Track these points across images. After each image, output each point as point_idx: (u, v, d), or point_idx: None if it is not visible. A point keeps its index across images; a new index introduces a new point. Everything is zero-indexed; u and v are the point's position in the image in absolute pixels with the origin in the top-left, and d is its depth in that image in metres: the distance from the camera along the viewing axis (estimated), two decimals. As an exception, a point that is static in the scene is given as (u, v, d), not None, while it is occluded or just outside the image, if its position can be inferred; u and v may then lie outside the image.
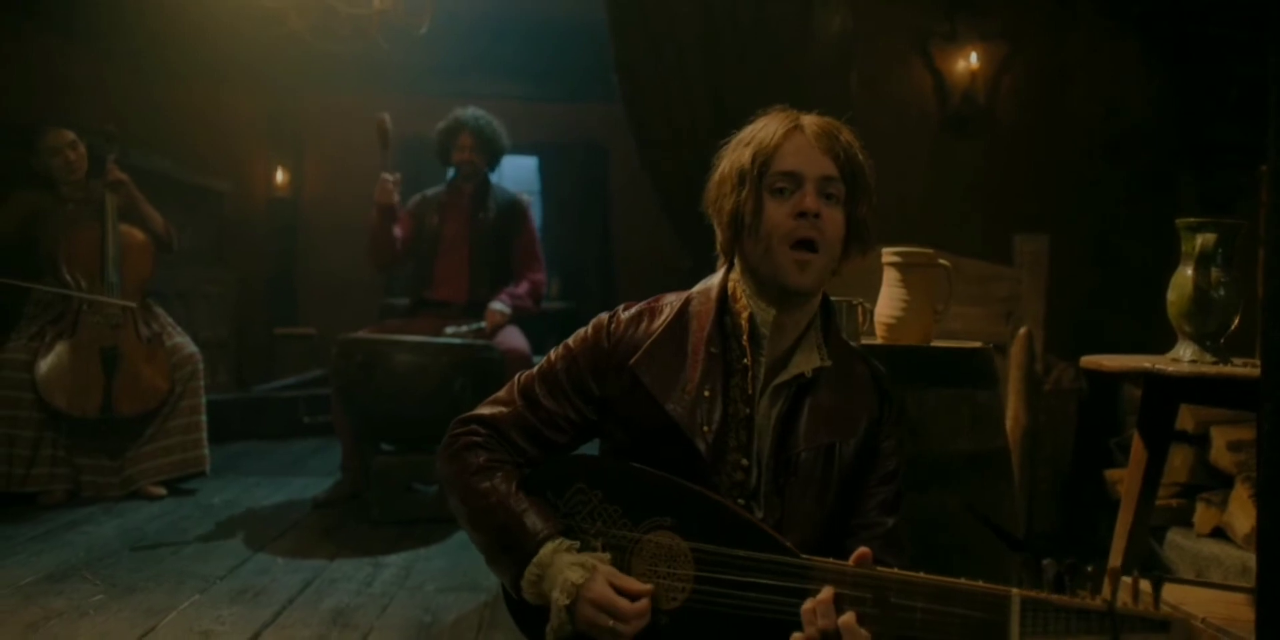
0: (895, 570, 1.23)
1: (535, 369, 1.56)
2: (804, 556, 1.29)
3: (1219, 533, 3.07)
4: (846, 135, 1.42)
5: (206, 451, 4.04)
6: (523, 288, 4.14)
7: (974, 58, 4.27)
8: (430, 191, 4.27)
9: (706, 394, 1.41)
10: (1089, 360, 1.96)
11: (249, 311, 6.64)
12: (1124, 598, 1.13)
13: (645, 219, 6.80)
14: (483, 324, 3.94)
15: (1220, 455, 3.10)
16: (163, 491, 3.88)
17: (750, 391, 1.42)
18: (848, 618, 1.20)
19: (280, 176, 7.04)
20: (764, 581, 1.30)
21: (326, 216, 7.15)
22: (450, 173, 4.24)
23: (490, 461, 1.47)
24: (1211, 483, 3.19)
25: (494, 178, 4.36)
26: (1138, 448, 2.09)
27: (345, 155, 7.12)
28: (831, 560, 1.27)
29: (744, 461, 1.42)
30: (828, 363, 1.44)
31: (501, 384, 3.90)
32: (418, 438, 3.71)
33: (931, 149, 4.21)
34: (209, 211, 6.38)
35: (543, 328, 5.79)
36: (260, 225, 6.98)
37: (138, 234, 4.05)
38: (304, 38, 5.73)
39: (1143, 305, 3.88)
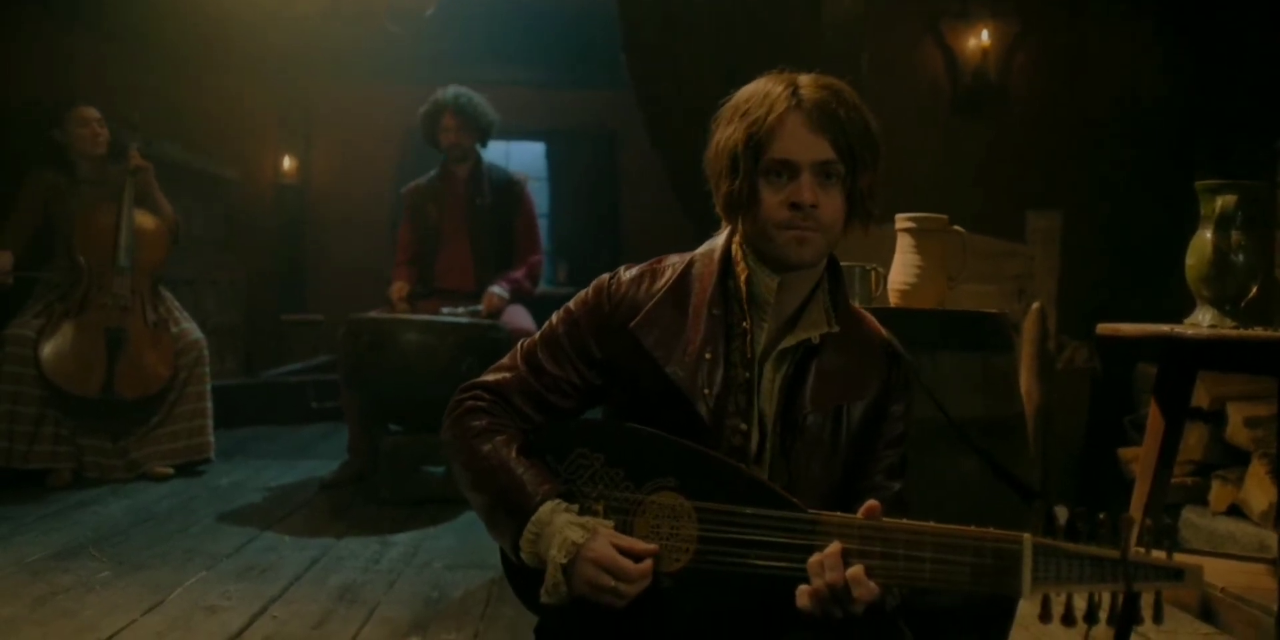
0: (904, 521, 1.21)
1: (538, 334, 1.53)
2: (811, 511, 1.27)
3: (1234, 510, 3.04)
4: (847, 105, 1.35)
5: (211, 438, 4.04)
6: (520, 271, 4.12)
7: (985, 35, 4.22)
8: (424, 179, 4.22)
9: (708, 357, 1.39)
10: (1106, 327, 1.93)
11: (257, 298, 6.64)
12: (1137, 547, 1.10)
13: (655, 204, 6.75)
14: (479, 307, 3.92)
15: (1236, 432, 3.06)
16: (170, 470, 3.88)
17: (750, 356, 1.40)
18: (855, 570, 1.18)
19: (288, 164, 7.03)
20: (770, 538, 1.27)
21: (335, 204, 7.15)
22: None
23: (492, 425, 1.45)
24: (1226, 460, 3.15)
25: (501, 157, 4.32)
26: (1154, 418, 2.05)
27: (354, 143, 7.12)
28: (839, 514, 1.25)
29: (743, 426, 1.40)
30: (835, 328, 1.41)
31: (509, 363, 3.84)
32: (426, 418, 3.68)
33: (943, 126, 4.16)
34: (218, 199, 6.37)
35: (550, 313, 5.76)
36: (269, 213, 6.97)
37: (152, 220, 4.04)
38: (312, 21, 5.74)
39: (1157, 284, 3.83)
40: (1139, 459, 2.11)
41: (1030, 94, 4.20)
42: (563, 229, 7.28)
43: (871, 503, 1.23)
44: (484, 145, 4.20)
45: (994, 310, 1.96)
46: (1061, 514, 1.16)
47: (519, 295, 4.10)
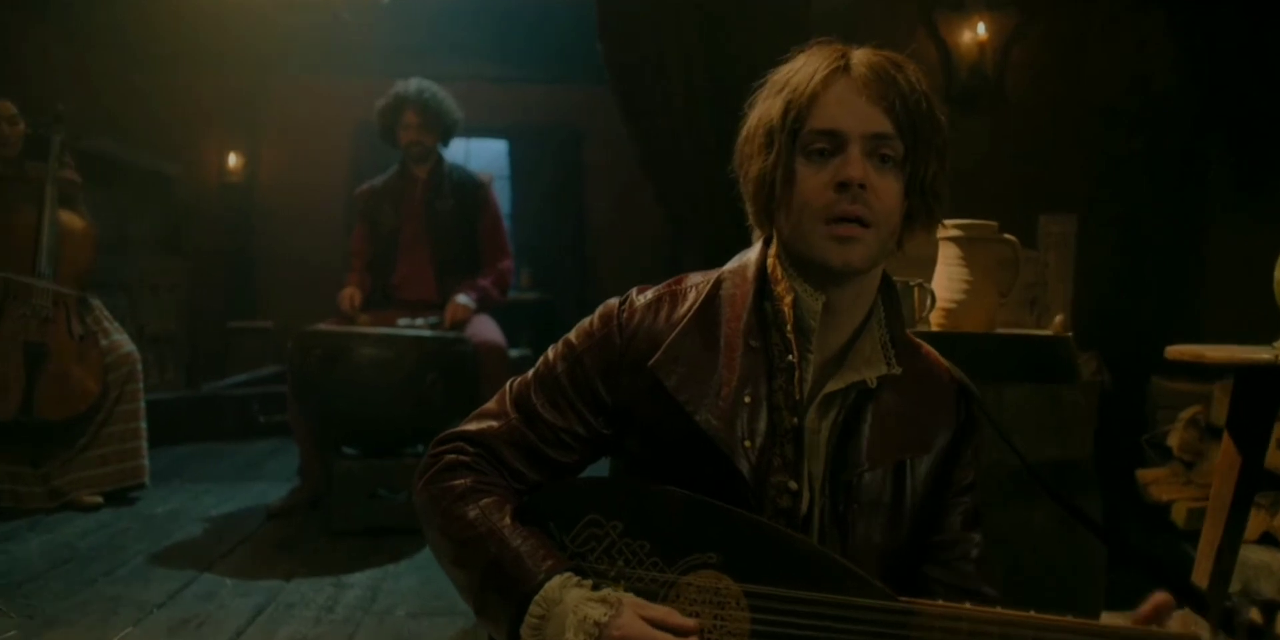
0: (1030, 614, 0.94)
1: (531, 373, 1.24)
2: (903, 600, 1.00)
3: (1268, 539, 2.82)
4: (908, 75, 1.09)
5: (146, 462, 3.65)
6: (488, 278, 3.80)
7: (982, 28, 4.00)
8: (379, 180, 3.88)
9: (747, 400, 1.12)
10: (1183, 351, 1.67)
11: (201, 303, 6.23)
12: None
13: (622, 205, 6.48)
14: (435, 319, 3.59)
15: (1270, 454, 2.84)
16: (98, 500, 3.50)
17: (798, 397, 1.13)
18: None
19: (234, 160, 6.63)
20: (847, 634, 1.00)
21: (285, 203, 6.75)
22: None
23: (479, 484, 1.16)
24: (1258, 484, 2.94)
25: (461, 156, 4.00)
26: (1228, 451, 1.81)
27: (305, 139, 6.73)
28: (940, 604, 0.99)
29: (792, 484, 1.12)
30: (897, 370, 1.14)
31: (475, 380, 3.52)
32: (383, 439, 3.37)
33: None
34: (157, 198, 5.97)
35: (515, 320, 5.45)
36: (213, 212, 6.56)
37: (78, 221, 3.67)
38: (260, 7, 5.36)
39: (1169, 291, 3.63)
40: (1211, 494, 1.86)
41: (1029, 90, 3.98)
42: (526, 231, 6.95)
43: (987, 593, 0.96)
44: (446, 144, 3.88)
45: (1054, 331, 1.71)
46: (1243, 607, 0.89)
47: (487, 304, 3.78)
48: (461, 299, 3.67)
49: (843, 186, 1.05)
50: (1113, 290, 3.57)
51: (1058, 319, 2.65)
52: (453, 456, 1.18)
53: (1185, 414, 3.08)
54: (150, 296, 5.69)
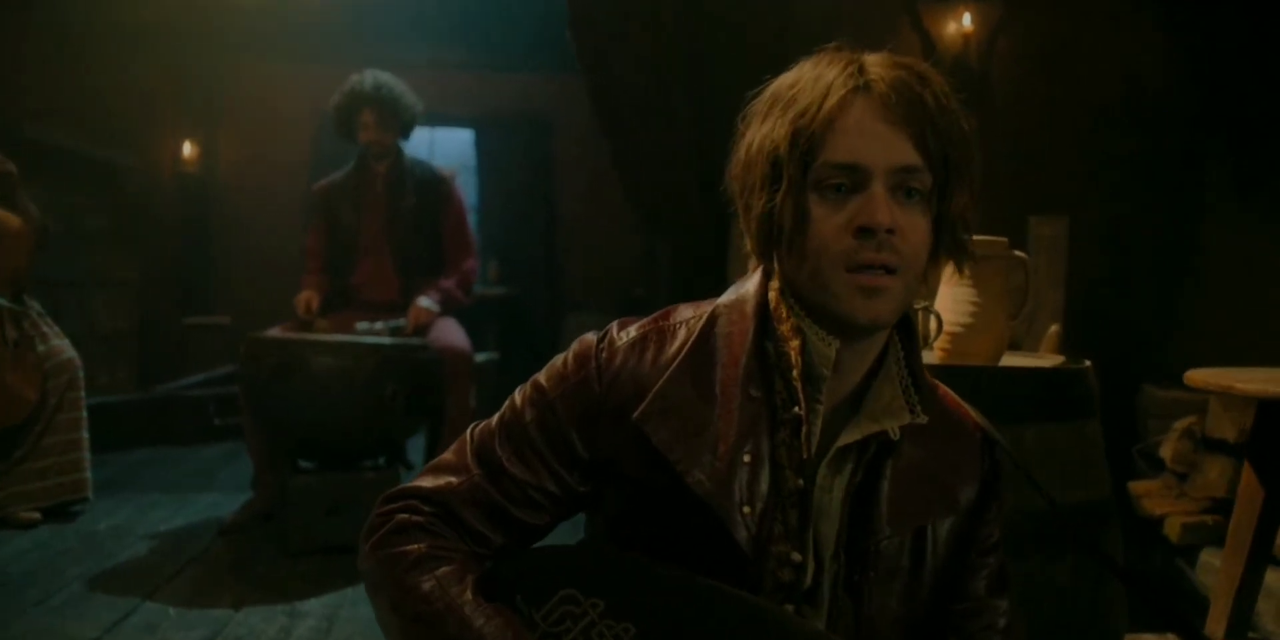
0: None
1: (494, 419, 1.08)
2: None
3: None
4: (935, 91, 0.95)
5: (89, 474, 3.43)
6: (452, 279, 3.62)
7: (967, 19, 3.86)
8: (338, 175, 3.68)
9: (746, 459, 0.98)
10: (1209, 379, 1.54)
11: (155, 300, 5.98)
12: None
13: (593, 196, 6.31)
14: (400, 322, 3.42)
15: None
16: (37, 516, 3.29)
17: (806, 455, 0.98)
18: None
19: (189, 150, 6.36)
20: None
21: (244, 193, 6.51)
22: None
23: (435, 550, 1.01)
24: None
25: (426, 146, 3.80)
26: (1249, 482, 1.69)
27: (263, 128, 6.49)
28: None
29: (795, 556, 0.99)
30: (923, 418, 1.00)
31: (438, 388, 3.33)
32: (342, 452, 3.19)
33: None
34: (108, 189, 5.69)
35: (482, 316, 5.27)
36: (167, 204, 6.29)
37: (12, 219, 3.42)
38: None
39: (1163, 295, 3.52)
40: (1231, 528, 1.74)
41: (1017, 84, 3.84)
42: (494, 223, 6.75)
43: None
44: (407, 138, 3.68)
45: (1061, 360, 1.57)
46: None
47: (450, 306, 3.61)
48: (424, 302, 3.49)
49: (867, 232, 0.91)
50: (1103, 294, 3.45)
51: (1053, 329, 2.51)
52: (404, 516, 1.03)
53: (1180, 424, 2.97)
54: (101, 293, 5.46)
